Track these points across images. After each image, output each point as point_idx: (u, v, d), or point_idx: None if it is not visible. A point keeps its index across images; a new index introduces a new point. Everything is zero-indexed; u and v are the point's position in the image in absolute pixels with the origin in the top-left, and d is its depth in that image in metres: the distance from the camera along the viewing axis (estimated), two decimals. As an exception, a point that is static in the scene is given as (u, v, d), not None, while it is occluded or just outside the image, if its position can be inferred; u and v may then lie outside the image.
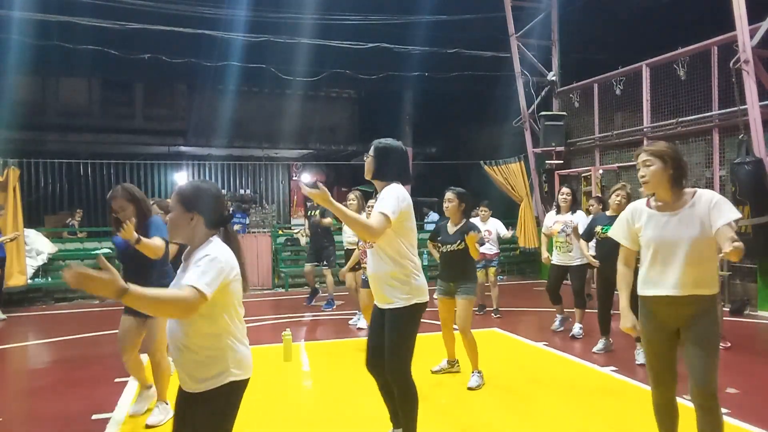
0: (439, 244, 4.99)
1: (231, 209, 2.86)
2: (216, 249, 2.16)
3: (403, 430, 3.26)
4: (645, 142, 9.82)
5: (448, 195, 4.92)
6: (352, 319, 7.60)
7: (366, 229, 3.03)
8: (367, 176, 3.35)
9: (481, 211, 8.10)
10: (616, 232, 3.07)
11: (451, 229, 4.95)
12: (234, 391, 2.21)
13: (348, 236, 7.39)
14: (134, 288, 1.86)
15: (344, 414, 4.27)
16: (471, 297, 4.81)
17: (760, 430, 3.72)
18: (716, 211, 2.71)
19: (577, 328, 6.62)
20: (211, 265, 2.08)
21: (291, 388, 4.96)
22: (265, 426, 3.99)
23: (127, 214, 3.84)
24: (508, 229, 8.20)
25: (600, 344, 5.93)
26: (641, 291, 2.93)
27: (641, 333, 2.97)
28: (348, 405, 4.46)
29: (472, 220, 5.26)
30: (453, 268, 4.88)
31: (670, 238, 2.80)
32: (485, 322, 7.60)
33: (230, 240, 2.27)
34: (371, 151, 3.31)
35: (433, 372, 5.16)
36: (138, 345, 4.17)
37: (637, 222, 2.94)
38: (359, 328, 7.18)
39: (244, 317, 2.30)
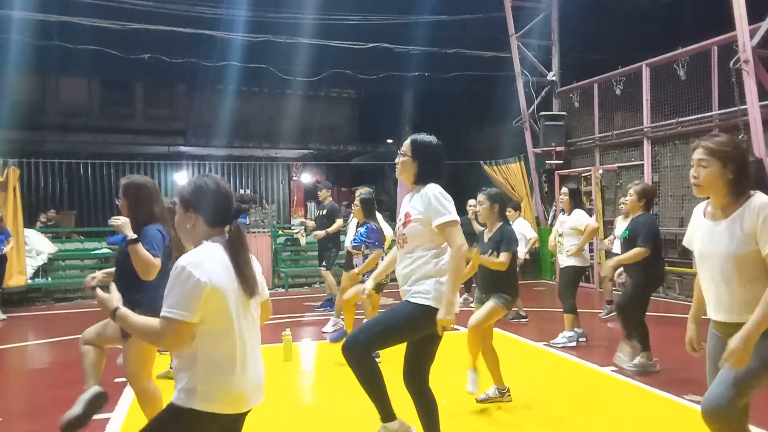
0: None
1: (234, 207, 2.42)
2: (188, 257, 1.94)
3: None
4: (645, 142, 9.82)
5: (479, 198, 4.46)
6: None
7: (460, 253, 2.81)
8: (404, 178, 3.08)
9: (507, 212, 7.85)
10: (687, 240, 2.64)
11: (486, 235, 4.50)
12: (184, 419, 1.94)
13: (349, 239, 7.26)
14: (122, 310, 1.97)
15: (344, 414, 4.26)
16: (499, 304, 4.19)
17: (760, 429, 3.72)
18: (765, 231, 2.27)
19: (560, 338, 6.09)
20: (175, 282, 1.89)
21: (291, 388, 4.96)
22: (264, 426, 3.98)
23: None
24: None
25: (635, 360, 5.07)
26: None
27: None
28: (348, 405, 4.45)
29: None
30: (487, 279, 4.35)
31: (708, 251, 2.42)
32: (505, 326, 7.19)
33: (233, 241, 2.02)
34: (408, 151, 3.03)
35: (478, 401, 4.28)
36: (103, 344, 3.46)
37: (692, 228, 2.59)
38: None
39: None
